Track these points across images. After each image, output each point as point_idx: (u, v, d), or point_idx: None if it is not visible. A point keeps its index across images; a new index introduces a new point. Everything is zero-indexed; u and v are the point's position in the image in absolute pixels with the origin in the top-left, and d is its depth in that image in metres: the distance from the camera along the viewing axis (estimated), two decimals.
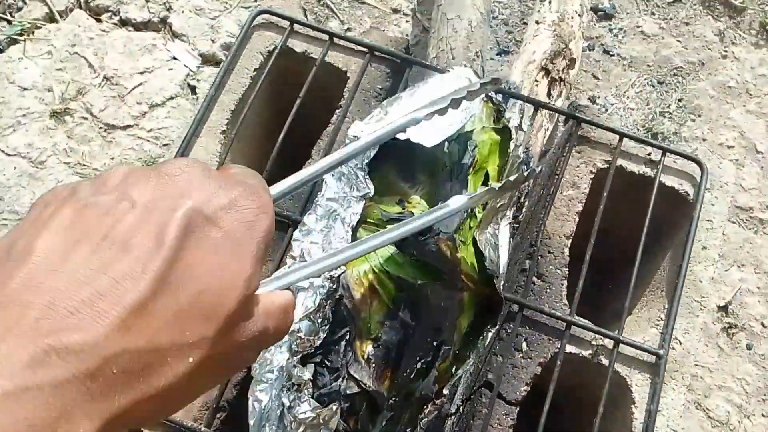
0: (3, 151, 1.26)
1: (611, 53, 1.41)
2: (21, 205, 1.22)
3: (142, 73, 1.32)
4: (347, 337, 0.68)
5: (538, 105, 0.91)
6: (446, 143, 0.75)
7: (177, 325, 0.27)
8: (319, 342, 0.65)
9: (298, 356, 0.64)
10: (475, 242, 0.72)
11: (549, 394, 0.76)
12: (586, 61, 1.39)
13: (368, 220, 0.75)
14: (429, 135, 0.74)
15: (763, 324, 1.20)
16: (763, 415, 1.15)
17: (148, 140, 1.27)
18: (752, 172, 1.30)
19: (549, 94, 1.14)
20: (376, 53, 0.95)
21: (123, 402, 0.25)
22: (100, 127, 1.28)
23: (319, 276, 0.40)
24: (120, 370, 0.25)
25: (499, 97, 0.85)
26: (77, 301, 0.25)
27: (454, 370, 0.71)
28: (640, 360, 0.82)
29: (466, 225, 0.74)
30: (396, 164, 0.77)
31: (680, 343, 0.83)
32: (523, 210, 0.91)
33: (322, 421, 0.64)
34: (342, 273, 0.67)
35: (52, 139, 1.27)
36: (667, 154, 0.90)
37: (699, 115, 1.34)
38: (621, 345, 0.81)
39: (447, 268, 0.68)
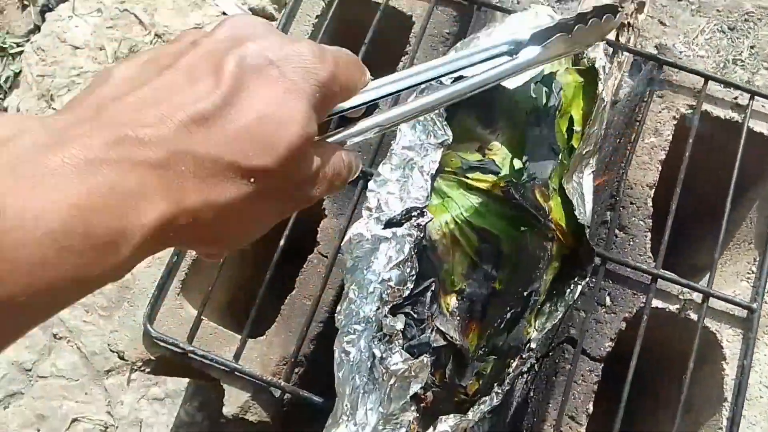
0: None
1: None
2: None
3: (193, 28, 1.29)
4: (432, 289, 0.66)
5: (617, 47, 0.86)
6: (531, 85, 0.71)
7: (238, 144, 0.29)
8: (407, 292, 0.63)
9: (388, 306, 0.62)
10: (563, 191, 0.69)
11: (635, 352, 0.74)
12: (652, 6, 1.32)
13: (446, 168, 0.72)
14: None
15: None
16: None
17: None
18: None
19: (617, 40, 1.09)
20: None
21: (193, 199, 0.28)
22: None
23: (384, 127, 0.39)
24: (188, 170, 0.28)
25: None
26: (146, 107, 0.28)
27: (542, 322, 0.68)
28: (730, 314, 0.78)
29: (560, 171, 0.70)
30: (474, 108, 0.73)
31: None
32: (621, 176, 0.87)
33: (413, 373, 0.63)
34: (428, 221, 0.65)
35: None
36: (756, 97, 0.85)
37: None
38: (711, 299, 0.77)
39: (541, 215, 0.64)
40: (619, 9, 0.56)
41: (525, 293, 0.66)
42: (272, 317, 0.79)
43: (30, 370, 1.13)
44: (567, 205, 0.70)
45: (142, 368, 0.79)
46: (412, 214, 0.68)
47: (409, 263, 0.63)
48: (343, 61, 0.34)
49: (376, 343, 0.61)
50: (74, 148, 0.25)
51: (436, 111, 0.70)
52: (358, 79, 0.37)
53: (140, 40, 1.28)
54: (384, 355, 0.63)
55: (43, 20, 1.34)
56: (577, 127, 0.73)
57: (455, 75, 0.44)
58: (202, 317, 0.78)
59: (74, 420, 1.10)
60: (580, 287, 0.68)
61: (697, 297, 0.78)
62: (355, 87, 0.37)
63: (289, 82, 0.31)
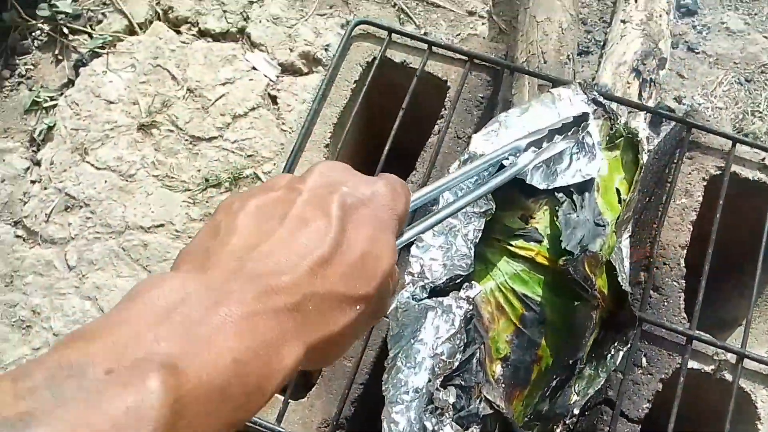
0: (93, 165, 1.29)
1: (696, 51, 1.37)
2: (113, 218, 1.25)
3: (223, 84, 1.33)
4: (478, 356, 0.68)
5: (652, 112, 0.89)
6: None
7: (349, 279, 0.34)
8: (457, 364, 0.65)
9: (440, 379, 0.63)
10: (607, 260, 0.71)
11: (673, 413, 0.75)
12: (671, 59, 1.36)
13: (490, 235, 0.74)
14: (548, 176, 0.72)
15: None
16: None
17: (232, 151, 1.28)
18: None
19: (640, 96, 1.12)
20: (476, 61, 0.93)
21: (317, 335, 0.32)
22: (186, 140, 1.30)
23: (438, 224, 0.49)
24: (314, 308, 0.32)
25: (612, 105, 0.83)
26: (278, 256, 0.32)
27: (584, 387, 0.69)
28: (764, 375, 0.79)
29: (612, 241, 0.72)
30: (517, 178, 0.75)
31: None
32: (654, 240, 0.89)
33: None
34: (477, 293, 0.67)
35: (140, 152, 1.29)
36: None
37: None
38: (745, 360, 0.78)
39: (589, 286, 0.66)
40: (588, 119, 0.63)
41: (570, 361, 0.67)
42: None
43: None
44: (609, 270, 0.72)
45: None
46: (457, 281, 0.70)
47: (459, 335, 0.65)
48: (404, 191, 0.40)
49: (427, 415, 0.63)
50: (232, 305, 0.29)
51: (481, 181, 0.73)
52: (410, 200, 0.42)
53: (173, 95, 1.32)
54: (436, 428, 0.64)
55: (77, 75, 1.38)
56: (624, 196, 0.76)
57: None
58: None
59: None
60: (621, 353, 0.70)
61: (731, 357, 0.79)
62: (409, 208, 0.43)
63: (378, 219, 0.36)
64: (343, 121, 0.92)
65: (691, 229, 0.86)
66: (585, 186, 0.71)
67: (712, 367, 0.80)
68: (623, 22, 1.26)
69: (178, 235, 1.23)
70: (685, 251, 0.85)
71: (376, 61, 0.93)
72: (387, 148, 0.87)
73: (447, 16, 1.43)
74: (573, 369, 0.67)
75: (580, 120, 0.68)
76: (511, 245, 0.72)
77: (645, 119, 0.84)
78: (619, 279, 0.68)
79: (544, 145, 0.63)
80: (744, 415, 0.80)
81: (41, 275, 1.23)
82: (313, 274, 0.32)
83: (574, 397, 0.69)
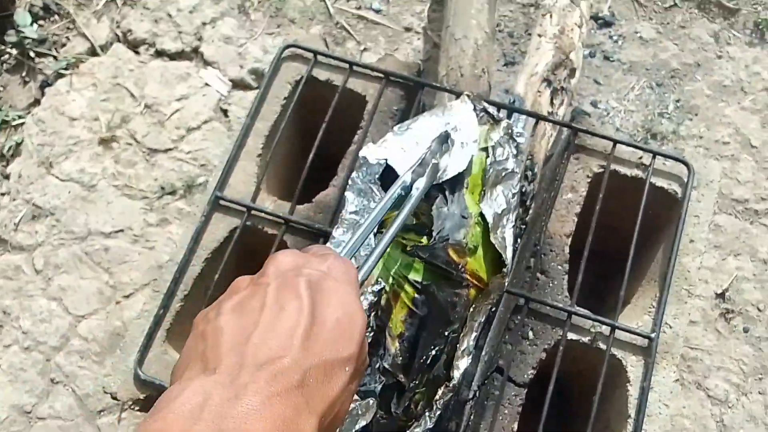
0: (58, 177, 1.40)
1: (611, 59, 1.50)
2: (76, 225, 1.36)
3: (178, 99, 1.45)
4: (382, 335, 0.80)
5: (538, 118, 1.01)
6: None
7: (333, 344, 0.39)
8: None
9: None
10: (489, 246, 0.83)
11: (553, 377, 0.87)
12: (588, 68, 1.49)
13: (384, 230, 0.86)
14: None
15: (759, 309, 1.29)
16: (759, 393, 1.24)
17: (187, 162, 1.40)
18: (747, 166, 1.38)
19: (552, 103, 1.24)
20: (392, 78, 1.06)
21: (322, 403, 0.37)
22: (144, 151, 1.41)
23: None
24: (314, 380, 0.37)
25: (502, 114, 0.95)
26: (270, 342, 0.38)
27: (460, 353, 0.81)
28: (634, 344, 0.92)
29: (476, 230, 0.84)
30: None
31: (670, 327, 0.93)
32: (530, 212, 1.01)
33: (360, 412, 0.76)
34: (381, 287, 0.79)
35: (102, 164, 1.40)
36: (657, 156, 1.00)
37: (696, 114, 1.43)
38: (617, 331, 0.91)
39: (453, 269, 0.78)
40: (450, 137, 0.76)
41: (445, 333, 0.79)
42: None
43: (29, 413, 1.24)
44: (491, 256, 0.84)
45: (133, 407, 0.92)
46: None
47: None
48: (346, 259, 0.48)
49: None
50: (250, 396, 0.34)
51: (372, 180, 0.85)
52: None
53: (131, 111, 1.44)
54: None
55: (43, 94, 1.49)
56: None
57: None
58: None
59: None
60: (484, 308, 0.82)
61: (605, 329, 0.92)
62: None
63: (341, 284, 0.43)
64: (274, 134, 1.04)
65: (576, 220, 0.99)
66: (455, 184, 0.84)
67: (589, 338, 0.92)
68: (539, 35, 1.38)
69: (136, 239, 1.35)
70: (569, 239, 0.98)
71: (303, 80, 1.05)
72: (311, 156, 0.99)
73: (386, 32, 1.56)
74: (447, 339, 0.79)
75: (446, 137, 0.82)
76: (405, 238, 0.84)
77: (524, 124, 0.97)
78: (506, 261, 0.80)
79: (426, 159, 0.77)
80: (617, 378, 0.92)
81: (10, 279, 1.34)
82: (304, 348, 0.37)
83: (457, 363, 0.81)
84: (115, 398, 0.91)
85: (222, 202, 0.99)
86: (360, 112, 1.06)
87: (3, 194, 1.42)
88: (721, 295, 1.29)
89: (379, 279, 0.80)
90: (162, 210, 1.36)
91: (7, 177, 1.43)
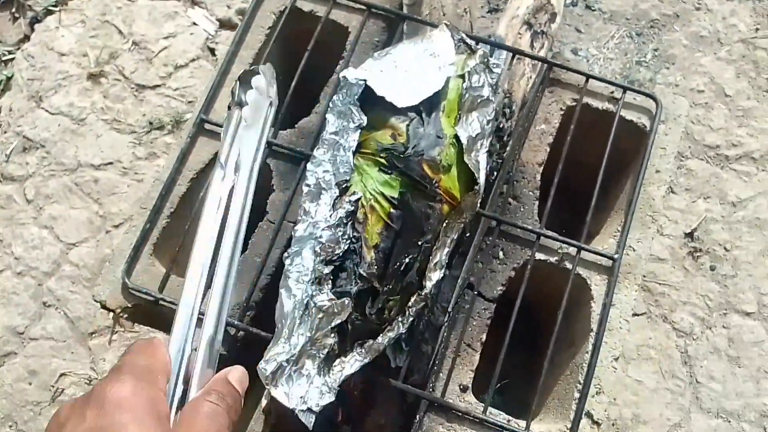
0: (47, 111, 1.43)
1: (593, 8, 1.53)
2: (66, 157, 1.39)
3: (166, 38, 1.47)
4: (356, 246, 0.84)
5: (515, 52, 1.05)
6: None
7: None
8: (340, 251, 0.81)
9: (321, 257, 0.80)
10: (463, 166, 0.87)
11: (521, 293, 0.92)
12: (570, 16, 1.52)
13: (363, 150, 0.90)
14: (405, 96, 0.88)
15: (725, 248, 1.34)
16: (724, 327, 1.30)
17: (174, 98, 1.43)
18: (720, 114, 1.43)
19: (532, 47, 1.27)
20: (373, 10, 1.09)
21: None
22: (132, 87, 1.44)
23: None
24: None
25: (480, 46, 0.99)
26: None
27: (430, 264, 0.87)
28: (598, 264, 0.97)
29: (450, 150, 0.88)
30: (389, 103, 0.91)
31: (634, 250, 0.98)
32: (507, 147, 1.05)
33: (335, 310, 0.81)
34: (358, 198, 0.83)
35: (90, 99, 1.43)
36: (627, 91, 1.04)
37: (673, 63, 1.47)
38: (583, 252, 0.96)
39: (426, 181, 0.83)
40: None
41: (419, 243, 0.84)
42: None
43: (22, 333, 1.29)
44: (465, 177, 0.89)
45: (122, 314, 0.96)
46: (343, 186, 0.86)
47: (340, 228, 0.81)
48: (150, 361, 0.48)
49: (310, 285, 0.79)
50: None
51: (352, 102, 0.89)
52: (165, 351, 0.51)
53: (120, 47, 1.46)
54: (314, 294, 0.80)
55: (33, 30, 1.51)
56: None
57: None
58: (170, 273, 0.95)
59: (62, 374, 1.26)
60: (457, 225, 0.86)
61: (572, 251, 0.97)
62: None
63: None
64: (258, 62, 1.07)
65: (548, 150, 1.03)
66: (432, 107, 0.88)
67: (556, 258, 0.97)
68: None
69: (125, 172, 1.38)
70: (541, 168, 1.02)
71: (287, 10, 1.08)
72: (293, 83, 1.02)
73: None
74: (420, 248, 0.84)
75: None
76: (382, 157, 0.88)
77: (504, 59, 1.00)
78: (478, 180, 0.84)
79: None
80: (582, 297, 0.97)
81: (2, 208, 1.37)
82: None
83: (429, 274, 0.86)
84: (105, 307, 0.95)
85: (207, 126, 1.02)
86: (342, 43, 1.09)
87: None
88: (689, 235, 1.35)
89: (355, 191, 0.84)
90: (150, 144, 1.40)
91: None
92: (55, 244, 1.34)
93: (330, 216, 0.84)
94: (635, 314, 1.30)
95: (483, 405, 0.90)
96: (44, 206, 1.37)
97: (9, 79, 1.47)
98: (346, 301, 0.82)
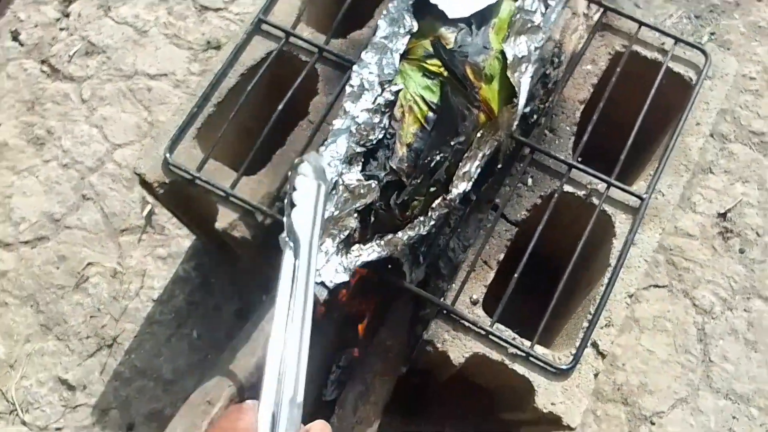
0: (114, 19, 1.49)
1: None
2: (125, 64, 1.45)
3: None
4: (391, 140, 0.87)
5: None
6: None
7: None
8: (374, 138, 0.84)
9: (356, 140, 0.82)
10: (505, 80, 0.89)
11: (545, 217, 0.93)
12: None
13: (410, 56, 0.92)
14: (458, 6, 0.91)
15: (758, 233, 1.32)
16: (745, 310, 1.28)
17: (234, 21, 1.48)
18: None
19: (589, 6, 1.28)
20: None
21: None
22: (196, 8, 1.49)
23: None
24: None
25: None
26: None
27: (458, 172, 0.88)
28: (626, 204, 0.97)
29: (495, 63, 0.90)
30: (442, 13, 0.94)
31: (663, 195, 0.98)
32: (551, 94, 1.06)
33: (361, 191, 0.83)
34: (400, 89, 0.85)
35: (155, 14, 1.49)
36: (678, 43, 1.04)
37: (728, 48, 1.46)
38: (611, 189, 0.96)
39: (468, 86, 0.85)
40: None
41: (451, 143, 0.86)
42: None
43: (58, 221, 1.35)
44: (505, 93, 0.90)
45: (158, 188, 1.00)
46: (385, 85, 0.89)
47: (378, 115, 0.84)
48: None
49: (342, 163, 0.82)
50: None
51: (406, 8, 0.92)
52: None
53: None
54: (344, 172, 0.83)
55: None
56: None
57: None
58: (210, 157, 0.99)
59: (89, 264, 1.31)
60: (492, 142, 0.88)
61: (601, 187, 0.97)
62: None
63: None
64: None
65: (591, 90, 1.04)
66: (482, 21, 0.90)
67: (584, 192, 0.98)
68: None
69: (178, 84, 1.43)
70: (582, 106, 1.03)
71: None
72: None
73: None
74: (452, 148, 0.85)
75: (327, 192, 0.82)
76: (427, 63, 0.90)
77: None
78: (516, 99, 0.86)
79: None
80: (605, 235, 0.98)
81: (58, 104, 1.44)
82: None
83: (456, 181, 0.88)
84: (144, 180, 0.99)
85: (263, 27, 1.06)
86: None
87: (62, 29, 1.51)
88: (722, 215, 1.33)
89: (397, 81, 0.87)
90: (205, 62, 1.45)
91: (67, 15, 1.53)
92: (102, 142, 1.40)
93: (371, 99, 0.87)
94: (656, 286, 1.29)
95: (491, 319, 0.91)
96: (97, 107, 1.43)
97: None
98: (373, 184, 0.84)
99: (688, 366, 1.25)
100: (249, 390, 0.99)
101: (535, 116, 1.04)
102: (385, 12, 0.94)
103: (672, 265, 1.30)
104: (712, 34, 1.48)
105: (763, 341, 1.26)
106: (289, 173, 0.78)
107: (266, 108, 1.01)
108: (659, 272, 1.29)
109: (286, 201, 0.77)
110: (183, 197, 1.03)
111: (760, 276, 1.29)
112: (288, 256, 0.70)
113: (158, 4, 1.50)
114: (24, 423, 1.22)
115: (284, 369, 0.58)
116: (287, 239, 0.72)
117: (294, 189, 0.76)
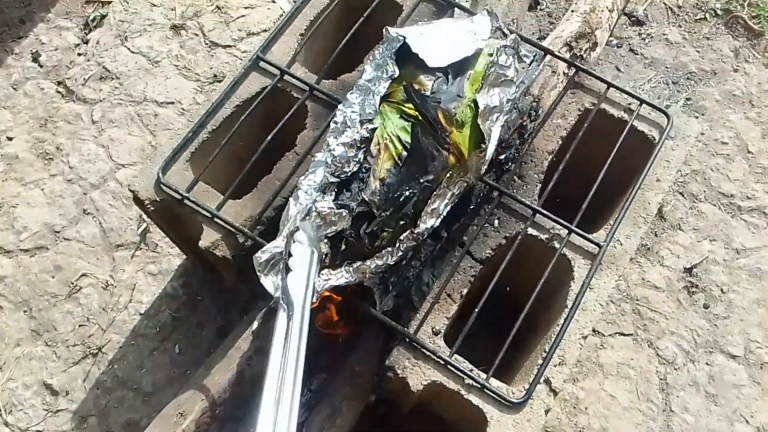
0: (129, 49, 1.60)
1: (636, 52, 1.63)
2: (135, 91, 1.55)
3: (246, 7, 1.63)
4: (365, 174, 0.94)
5: (545, 51, 1.15)
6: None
7: None
8: (349, 170, 0.91)
9: (331, 171, 0.90)
10: (476, 128, 0.97)
11: (508, 256, 0.99)
12: (612, 55, 1.62)
13: (390, 99, 1.00)
14: (437, 57, 1.00)
15: (722, 290, 1.38)
16: (707, 364, 1.33)
17: (241, 58, 1.58)
18: (740, 167, 1.48)
19: (567, 67, 1.38)
20: None
21: None
22: (207, 43, 1.60)
23: None
24: None
25: (514, 34, 1.10)
26: None
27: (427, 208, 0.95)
28: (585, 250, 1.03)
29: (467, 110, 0.98)
30: (421, 62, 1.02)
31: (621, 244, 1.04)
32: (526, 144, 1.14)
33: (333, 219, 0.90)
34: (375, 127, 0.93)
35: (168, 46, 1.60)
36: (643, 104, 1.12)
37: (702, 114, 1.54)
38: (572, 235, 1.03)
39: (439, 128, 0.93)
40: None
41: (421, 180, 0.93)
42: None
43: (58, 232, 1.42)
44: (475, 139, 0.98)
45: (149, 206, 1.07)
46: (365, 123, 0.97)
47: (353, 150, 0.91)
48: None
49: (316, 192, 0.89)
50: None
51: (390, 55, 1.00)
52: None
53: (204, 7, 1.63)
54: (317, 200, 0.90)
55: None
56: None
57: None
58: (200, 179, 1.07)
59: (83, 275, 1.38)
60: (461, 183, 0.95)
61: (563, 233, 1.04)
62: None
63: None
64: (318, 18, 1.20)
65: (560, 142, 1.12)
66: (459, 71, 0.98)
67: (547, 236, 1.04)
68: (572, 11, 1.53)
69: (183, 113, 1.53)
70: (550, 156, 1.11)
71: None
72: (344, 40, 1.15)
73: None
74: (420, 185, 0.93)
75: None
76: (405, 106, 0.99)
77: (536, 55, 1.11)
78: (485, 144, 0.94)
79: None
80: (565, 278, 1.04)
81: (69, 123, 1.53)
82: None
83: (425, 217, 0.95)
84: (137, 197, 1.07)
85: (261, 64, 1.15)
86: (395, 18, 1.21)
87: (80, 54, 1.62)
88: (688, 270, 1.39)
89: (375, 121, 0.95)
90: (210, 93, 1.54)
91: (86, 42, 1.64)
92: (107, 161, 1.48)
93: (349, 136, 0.95)
94: (621, 333, 1.34)
95: (450, 350, 0.96)
96: (106, 128, 1.52)
97: (103, 17, 1.66)
98: (344, 213, 0.91)
99: (649, 414, 1.28)
100: (220, 405, 1.04)
101: (510, 163, 1.11)
102: (371, 57, 1.03)
103: (638, 315, 1.35)
104: (688, 99, 1.56)
105: (723, 395, 1.30)
106: (286, 240, 0.87)
107: (257, 138, 1.09)
108: (625, 321, 1.35)
109: (281, 265, 0.86)
110: (172, 215, 1.10)
111: (723, 332, 1.34)
112: (282, 317, 0.79)
113: (172, 38, 1.60)
114: (6, 424, 1.27)
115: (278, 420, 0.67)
116: (281, 300, 0.82)
117: (290, 255, 0.85)
